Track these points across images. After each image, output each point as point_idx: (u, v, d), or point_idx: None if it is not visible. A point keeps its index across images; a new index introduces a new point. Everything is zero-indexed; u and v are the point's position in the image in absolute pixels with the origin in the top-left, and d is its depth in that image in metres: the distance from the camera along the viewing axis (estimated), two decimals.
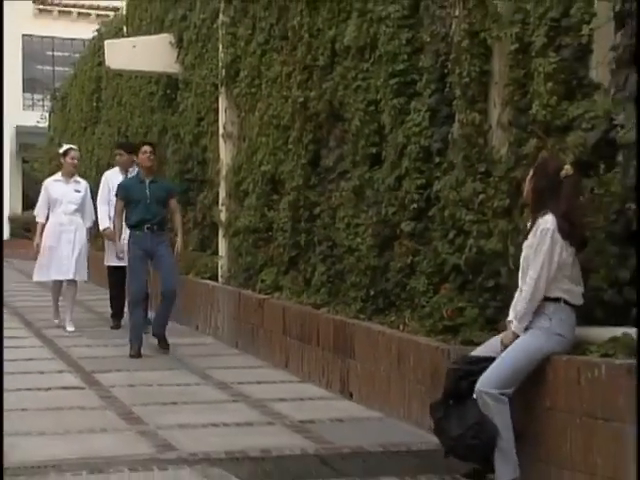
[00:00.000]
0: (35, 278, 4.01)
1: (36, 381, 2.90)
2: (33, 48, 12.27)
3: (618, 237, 1.84)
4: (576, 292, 1.82)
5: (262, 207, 3.66)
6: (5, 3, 11.72)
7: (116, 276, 3.92)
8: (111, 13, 9.38)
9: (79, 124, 7.70)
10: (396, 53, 2.64)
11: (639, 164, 1.68)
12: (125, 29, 6.12)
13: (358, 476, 1.91)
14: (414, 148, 2.55)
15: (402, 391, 2.40)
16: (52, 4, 12.18)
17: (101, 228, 4.03)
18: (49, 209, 3.92)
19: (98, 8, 11.93)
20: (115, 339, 3.71)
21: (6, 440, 2.09)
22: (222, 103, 4.12)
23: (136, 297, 3.38)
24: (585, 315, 1.84)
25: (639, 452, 1.47)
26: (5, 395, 2.58)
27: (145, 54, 4.73)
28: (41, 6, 12.18)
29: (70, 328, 3.93)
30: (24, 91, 12.29)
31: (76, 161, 4.02)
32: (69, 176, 3.95)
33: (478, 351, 1.92)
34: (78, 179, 4.03)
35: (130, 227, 3.44)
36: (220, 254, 4.12)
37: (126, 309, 3.66)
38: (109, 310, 4.14)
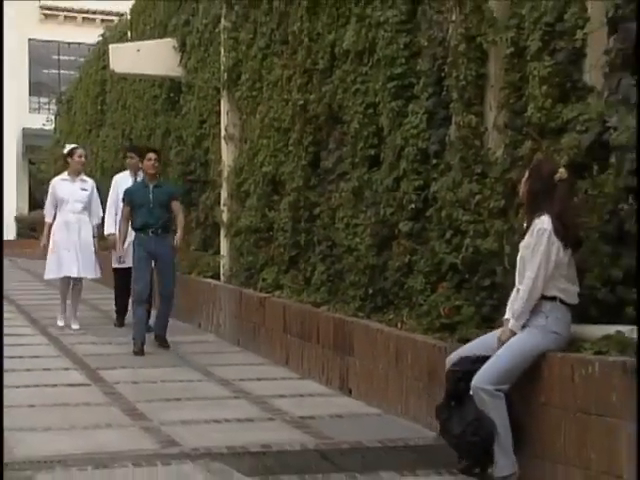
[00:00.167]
0: (45, 276, 4.02)
1: (42, 378, 2.93)
2: (39, 52, 12.42)
3: (611, 237, 1.86)
4: (572, 291, 1.85)
5: (263, 207, 3.70)
6: (12, 9, 11.94)
7: (120, 277, 3.97)
8: (115, 18, 9.46)
9: (84, 127, 7.76)
10: (394, 57, 2.68)
11: (639, 166, 1.71)
12: (129, 34, 6.18)
13: (357, 471, 1.93)
14: (412, 150, 2.59)
15: (400, 388, 2.42)
16: (58, 9, 12.32)
17: (105, 233, 4.07)
18: (56, 208, 3.94)
19: (103, 13, 12.06)
20: (119, 337, 3.74)
21: (13, 435, 2.14)
22: (224, 106, 4.17)
23: (140, 296, 3.49)
24: (579, 313, 1.86)
25: (639, 451, 1.49)
26: (12, 392, 2.63)
27: (149, 58, 4.79)
28: (47, 11, 12.29)
29: (75, 326, 3.96)
30: (30, 94, 12.42)
31: (83, 159, 4.04)
32: (76, 175, 3.96)
33: (471, 346, 1.95)
34: (84, 178, 4.04)
35: (135, 230, 3.55)
36: (222, 253, 4.17)
37: (130, 307, 3.75)
38: (114, 308, 4.17)
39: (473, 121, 2.33)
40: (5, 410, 2.26)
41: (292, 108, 3.41)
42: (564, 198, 1.84)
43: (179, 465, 1.96)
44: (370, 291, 2.77)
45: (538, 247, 1.82)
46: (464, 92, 2.35)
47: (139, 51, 4.79)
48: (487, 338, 1.94)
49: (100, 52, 7.07)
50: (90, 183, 4.05)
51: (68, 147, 4.18)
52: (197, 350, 3.55)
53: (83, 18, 12.47)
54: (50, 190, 4.03)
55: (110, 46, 5.21)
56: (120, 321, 4.07)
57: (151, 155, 3.57)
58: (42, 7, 12.43)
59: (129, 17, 6.37)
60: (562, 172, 1.86)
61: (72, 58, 11.92)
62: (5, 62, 10.68)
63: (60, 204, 3.94)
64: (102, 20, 11.77)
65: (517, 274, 1.91)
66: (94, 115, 7.36)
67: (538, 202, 1.86)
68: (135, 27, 6.03)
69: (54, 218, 3.95)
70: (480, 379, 1.82)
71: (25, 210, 11.75)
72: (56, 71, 12.54)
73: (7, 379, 2.75)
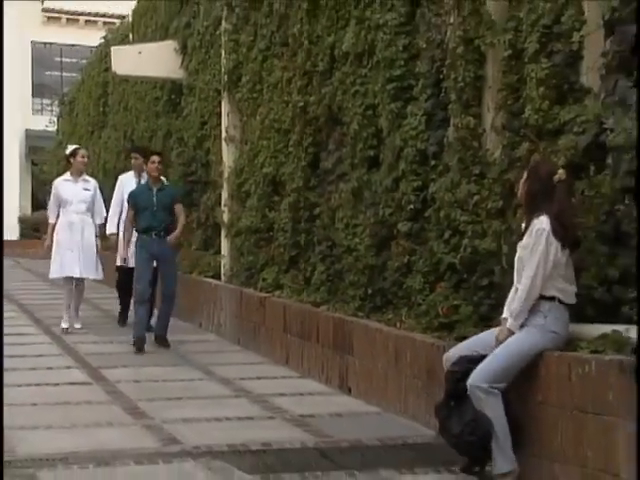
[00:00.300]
0: (50, 276, 4.01)
1: (45, 377, 2.95)
2: (42, 54, 12.46)
3: (608, 237, 1.87)
4: (570, 291, 1.86)
5: (263, 208, 3.72)
6: (15, 11, 12.01)
7: (123, 274, 3.98)
8: (117, 21, 9.52)
9: (86, 128, 7.79)
10: (393, 59, 2.70)
11: (639, 167, 1.71)
12: (131, 36, 6.20)
13: (356, 469, 1.94)
14: (411, 151, 2.60)
15: (399, 386, 2.44)
16: (60, 12, 12.38)
17: (107, 232, 4.10)
18: (59, 208, 3.94)
19: (105, 16, 12.10)
20: (121, 336, 3.76)
21: (15, 434, 2.15)
22: (225, 107, 4.20)
23: (141, 296, 3.54)
24: (576, 312, 1.87)
25: (639, 449, 1.49)
26: (15, 390, 2.65)
27: (150, 60, 4.82)
28: (50, 14, 12.33)
29: (77, 325, 3.97)
30: (33, 96, 12.47)
31: (86, 159, 4.05)
32: (78, 175, 3.97)
33: (469, 343, 1.95)
34: (87, 178, 4.04)
35: (138, 232, 3.59)
36: (223, 253, 4.19)
37: (132, 307, 3.77)
38: (116, 308, 4.19)
39: (471, 122, 2.34)
40: (7, 408, 2.28)
41: (292, 110, 3.43)
42: (562, 199, 1.86)
43: (180, 463, 1.97)
44: (369, 291, 2.79)
45: (537, 247, 1.83)
46: (462, 94, 2.37)
47: (141, 53, 4.82)
48: (485, 335, 1.95)
49: (102, 54, 7.12)
50: (92, 183, 4.06)
51: (70, 148, 4.19)
52: (198, 349, 3.57)
53: (85, 21, 12.53)
54: (53, 191, 4.04)
55: (112, 48, 5.24)
56: (122, 319, 4.08)
57: (155, 158, 3.63)
58: (45, 10, 12.47)
59: (131, 20, 6.40)
60: (561, 173, 1.87)
61: (74, 60, 11.97)
62: (8, 64, 10.77)
63: (63, 205, 3.94)
64: (104, 23, 11.83)
65: (515, 274, 1.92)
66: (96, 117, 7.39)
67: (537, 203, 1.88)
68: (137, 29, 6.05)
69: (57, 218, 3.96)
70: (476, 377, 1.83)
71: (28, 210, 11.77)
72: (59, 73, 12.59)
73: (10, 378, 2.78)
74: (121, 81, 6.23)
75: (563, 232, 1.84)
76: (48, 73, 12.64)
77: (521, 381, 1.85)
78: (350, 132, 2.99)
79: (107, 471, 1.92)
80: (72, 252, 3.86)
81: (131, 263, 3.72)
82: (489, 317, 2.20)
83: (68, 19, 12.59)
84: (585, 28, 2.00)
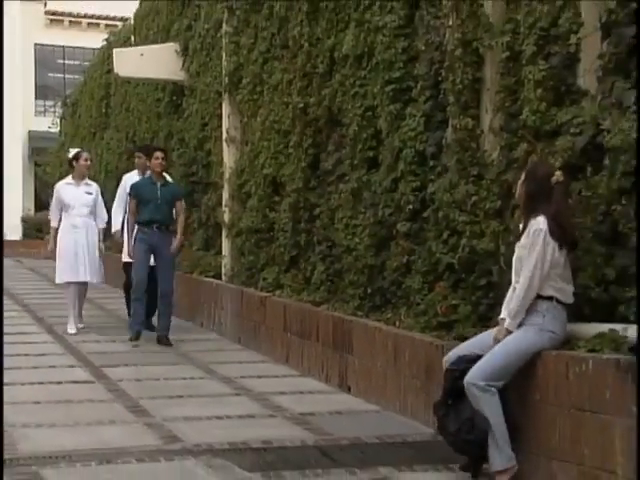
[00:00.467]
0: (57, 281, 3.96)
1: (47, 375, 2.97)
2: (45, 56, 12.48)
3: (605, 237, 1.88)
4: (567, 291, 1.87)
5: (264, 208, 3.74)
6: (18, 14, 12.08)
7: (130, 270, 3.92)
8: (119, 23, 9.53)
9: (89, 129, 7.81)
10: (392, 61, 2.71)
11: (638, 167, 1.72)
12: (133, 38, 6.22)
13: (356, 466, 1.95)
14: (409, 152, 2.62)
15: (398, 385, 2.45)
16: (63, 14, 12.40)
17: (113, 230, 4.11)
18: (61, 212, 3.93)
19: (107, 18, 12.12)
20: (123, 335, 3.77)
21: (18, 431, 2.18)
22: (225, 109, 4.22)
23: (138, 286, 3.57)
24: (573, 312, 1.88)
25: (639, 448, 1.50)
26: (18, 389, 2.68)
27: (152, 62, 4.85)
28: (53, 16, 12.36)
29: (79, 325, 3.97)
30: (36, 98, 12.48)
31: (89, 163, 4.05)
32: (80, 179, 3.97)
33: (468, 344, 1.97)
34: (89, 182, 4.04)
35: (140, 224, 3.60)
36: (223, 253, 4.21)
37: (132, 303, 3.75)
38: (119, 307, 4.23)
39: (469, 124, 2.36)
40: (10, 406, 2.32)
41: (292, 111, 3.45)
42: (560, 200, 1.87)
43: (181, 461, 1.98)
44: (369, 290, 2.81)
45: (534, 247, 1.84)
46: (461, 95, 2.38)
47: (142, 55, 4.85)
48: (484, 336, 1.96)
49: (104, 56, 7.14)
50: (95, 187, 4.06)
51: (73, 151, 4.18)
52: (199, 348, 3.59)
53: (88, 23, 12.54)
54: (55, 194, 4.04)
55: (114, 50, 5.26)
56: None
57: (158, 154, 3.66)
58: (47, 12, 12.50)
59: (133, 22, 6.43)
60: (558, 175, 1.88)
61: (77, 62, 12.05)
62: (12, 66, 10.82)
63: (66, 209, 3.92)
64: (106, 25, 11.84)
65: (513, 274, 1.93)
66: (98, 118, 7.41)
67: (534, 203, 1.89)
68: (139, 32, 6.08)
69: (59, 222, 3.95)
70: (473, 375, 1.83)
71: (31, 211, 11.81)
72: (61, 75, 12.62)
73: (13, 376, 2.80)
74: (123, 83, 6.25)
75: (560, 232, 1.85)
76: (51, 75, 12.67)
77: (519, 380, 1.86)
78: (350, 133, 3.00)
79: (109, 468, 1.93)
80: (77, 256, 3.84)
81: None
82: (487, 316, 2.21)
83: (71, 21, 12.61)
84: (582, 30, 2.02)
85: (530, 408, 1.85)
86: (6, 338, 3.29)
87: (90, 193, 4.00)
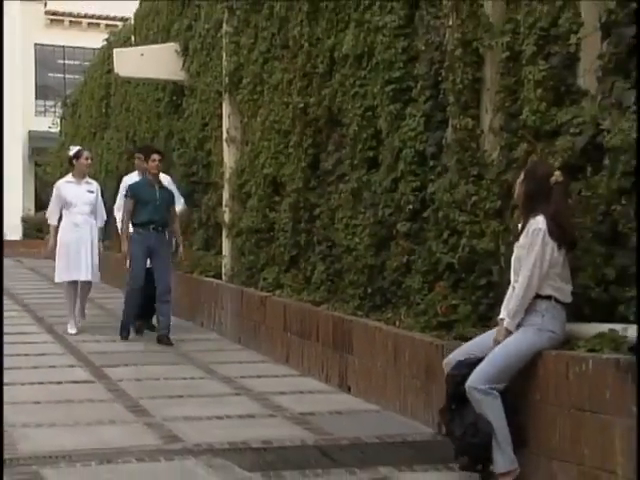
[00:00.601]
0: (56, 280, 3.91)
1: (48, 375, 2.97)
2: (45, 56, 12.48)
3: (605, 237, 1.89)
4: (566, 290, 1.87)
5: (264, 208, 3.74)
6: (18, 14, 12.07)
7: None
8: (120, 23, 9.53)
9: (89, 129, 7.81)
10: (392, 61, 2.71)
11: (638, 167, 1.73)
12: (133, 38, 6.22)
13: (356, 466, 1.95)
14: (409, 152, 2.62)
15: (398, 385, 2.46)
16: (63, 14, 12.39)
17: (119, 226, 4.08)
18: (61, 211, 3.88)
19: (107, 18, 12.13)
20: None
21: (18, 431, 2.18)
22: (226, 109, 4.22)
23: (135, 283, 3.61)
24: (573, 312, 1.89)
25: (639, 448, 1.50)
26: (18, 389, 2.68)
27: (152, 62, 4.84)
28: (53, 16, 12.36)
29: (79, 324, 3.93)
30: (37, 98, 12.49)
31: (90, 161, 4.02)
32: (81, 177, 3.93)
33: (468, 347, 1.97)
34: (89, 180, 4.00)
35: (136, 225, 3.63)
36: (224, 253, 4.22)
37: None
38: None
39: (469, 124, 2.36)
40: (11, 406, 2.32)
41: (292, 111, 3.45)
42: (559, 200, 1.87)
43: (181, 461, 1.99)
44: (369, 290, 2.81)
45: (533, 247, 1.84)
46: (461, 95, 2.38)
47: (143, 55, 4.85)
48: (483, 338, 1.96)
49: (105, 56, 7.15)
50: (95, 185, 4.03)
51: (73, 149, 4.14)
52: (199, 348, 3.59)
53: (88, 23, 12.55)
54: (55, 192, 3.98)
55: (114, 50, 5.26)
56: (139, 326, 3.84)
57: (155, 156, 3.68)
58: (48, 12, 12.51)
59: (133, 22, 6.43)
60: (558, 175, 1.88)
61: (77, 62, 12.05)
62: (12, 66, 10.82)
63: (67, 207, 3.89)
64: (107, 25, 11.85)
65: (512, 273, 1.93)
66: (99, 118, 7.41)
67: (533, 203, 1.89)
68: (139, 32, 6.08)
69: (59, 220, 3.92)
70: (474, 379, 1.84)
71: (31, 211, 11.81)
72: (61, 75, 12.62)
73: (13, 376, 2.80)
74: (123, 83, 6.25)
75: (559, 232, 1.85)
76: (51, 75, 12.67)
77: (519, 380, 1.86)
78: (350, 133, 3.01)
79: (109, 468, 1.93)
80: (78, 254, 3.80)
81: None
82: (487, 316, 2.22)
83: (71, 21, 12.62)
84: (582, 30, 2.02)
85: (530, 408, 1.86)
86: (6, 338, 3.29)
87: (92, 191, 3.96)
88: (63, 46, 12.48)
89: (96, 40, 8.68)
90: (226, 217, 4.20)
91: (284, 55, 3.58)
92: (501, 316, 1.93)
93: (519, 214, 2.03)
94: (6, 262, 5.52)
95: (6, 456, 1.93)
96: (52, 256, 4.02)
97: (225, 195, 4.24)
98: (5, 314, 3.91)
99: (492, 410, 1.82)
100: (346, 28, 3.07)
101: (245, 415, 2.45)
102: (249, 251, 3.87)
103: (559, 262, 1.87)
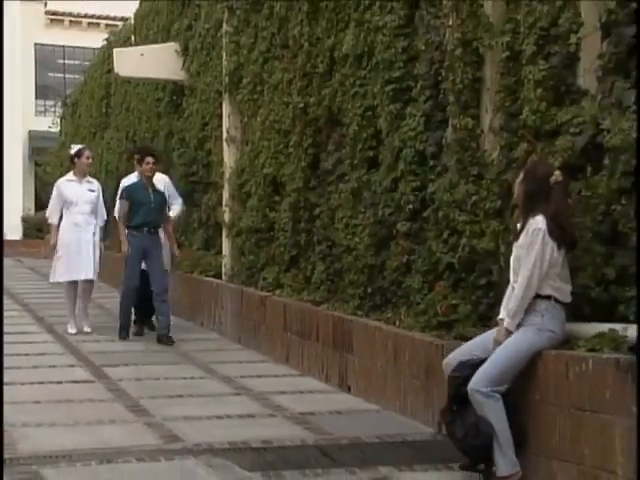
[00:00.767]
0: (55, 279, 3.84)
1: (48, 375, 2.97)
2: (45, 56, 12.50)
3: (604, 237, 1.89)
4: (565, 290, 1.87)
5: (264, 208, 3.75)
6: (18, 14, 12.08)
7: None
8: (120, 23, 9.53)
9: (89, 129, 7.83)
10: (392, 61, 2.72)
11: (638, 167, 1.73)
12: (133, 38, 6.23)
13: (356, 466, 1.95)
14: (409, 152, 2.63)
15: (398, 384, 2.46)
16: (63, 14, 12.40)
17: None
18: (62, 209, 3.85)
19: (107, 18, 12.14)
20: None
21: (18, 431, 2.18)
22: (226, 109, 4.22)
23: (130, 283, 3.64)
24: (573, 312, 1.89)
25: (639, 448, 1.50)
26: (18, 388, 2.68)
27: (152, 62, 4.85)
28: (53, 16, 12.37)
29: (87, 329, 3.85)
30: (37, 97, 12.51)
31: (91, 160, 4.00)
32: (82, 176, 3.90)
33: (468, 347, 1.96)
34: (90, 179, 3.98)
35: (130, 227, 3.66)
36: (224, 253, 4.22)
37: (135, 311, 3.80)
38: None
39: (469, 124, 2.36)
40: (11, 406, 2.32)
41: (292, 111, 3.45)
42: (559, 199, 1.87)
43: (181, 460, 1.99)
44: (369, 290, 2.82)
45: (533, 246, 1.84)
46: (460, 95, 2.39)
47: (143, 55, 4.85)
48: (483, 338, 1.96)
49: (105, 56, 7.16)
50: (96, 184, 4.01)
51: (75, 147, 4.10)
52: (199, 348, 3.60)
53: (88, 23, 12.57)
54: (55, 191, 3.95)
55: (114, 50, 5.26)
56: (138, 328, 3.84)
57: (149, 159, 3.70)
58: (48, 12, 12.52)
59: (133, 22, 6.43)
60: (557, 175, 1.88)
61: (77, 62, 12.06)
62: (12, 66, 10.81)
63: (67, 206, 3.85)
64: (107, 25, 11.86)
65: (512, 273, 1.93)
66: (99, 118, 7.42)
67: (533, 203, 1.89)
68: (139, 31, 6.09)
69: (60, 220, 3.88)
70: (476, 381, 1.83)
71: (32, 211, 11.83)
72: (62, 75, 12.64)
73: (13, 376, 2.81)
74: (123, 82, 6.26)
75: (559, 232, 1.85)
76: (51, 75, 12.69)
77: (519, 380, 1.86)
78: (350, 133, 3.01)
79: (109, 468, 1.93)
80: (79, 254, 3.78)
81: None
82: (487, 316, 2.22)
83: (71, 21, 12.63)
84: (582, 30, 2.02)
85: (530, 408, 1.85)
86: (6, 338, 3.29)
87: (93, 190, 3.94)
88: (63, 46, 12.51)
89: (96, 40, 8.70)
90: (226, 217, 4.20)
91: (284, 55, 3.58)
92: (501, 316, 1.94)
93: (519, 214, 2.03)
94: (6, 262, 5.52)
95: (6, 456, 1.94)
96: (52, 256, 3.99)
97: (225, 195, 4.24)
98: (5, 314, 3.91)
99: (494, 413, 1.82)
100: (346, 28, 3.07)
101: (245, 415, 2.45)
102: (249, 251, 3.87)
103: (559, 262, 1.87)
